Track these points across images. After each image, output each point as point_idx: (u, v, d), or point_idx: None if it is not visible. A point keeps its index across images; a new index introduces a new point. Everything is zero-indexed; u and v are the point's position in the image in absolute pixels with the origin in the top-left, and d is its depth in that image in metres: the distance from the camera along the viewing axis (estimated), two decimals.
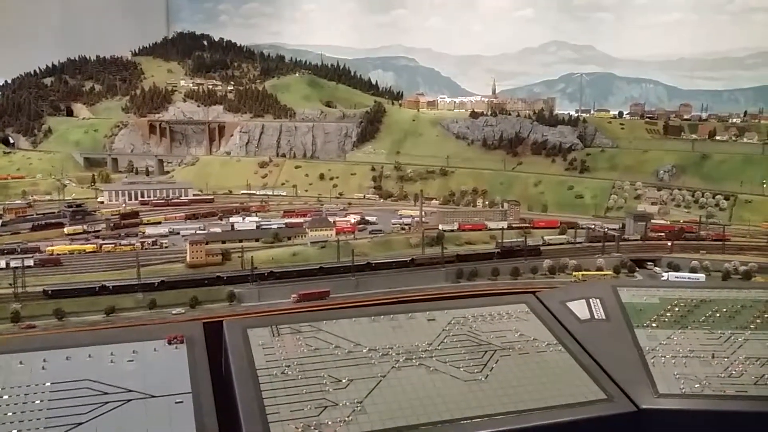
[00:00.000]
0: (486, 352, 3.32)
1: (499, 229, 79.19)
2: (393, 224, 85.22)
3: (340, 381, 3.26)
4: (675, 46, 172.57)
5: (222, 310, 56.27)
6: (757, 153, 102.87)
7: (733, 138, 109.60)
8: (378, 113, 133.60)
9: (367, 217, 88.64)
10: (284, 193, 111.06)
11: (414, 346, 3.38)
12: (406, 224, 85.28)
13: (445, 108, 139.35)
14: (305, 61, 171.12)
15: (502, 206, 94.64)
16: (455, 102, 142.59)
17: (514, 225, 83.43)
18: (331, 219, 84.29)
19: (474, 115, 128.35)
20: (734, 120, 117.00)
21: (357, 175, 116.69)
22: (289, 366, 3.36)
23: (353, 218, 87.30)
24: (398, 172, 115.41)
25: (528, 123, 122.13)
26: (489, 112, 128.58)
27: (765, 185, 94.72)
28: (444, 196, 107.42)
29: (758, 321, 3.56)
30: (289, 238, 76.83)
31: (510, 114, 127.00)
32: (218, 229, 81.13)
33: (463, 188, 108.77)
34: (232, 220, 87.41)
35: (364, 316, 3.73)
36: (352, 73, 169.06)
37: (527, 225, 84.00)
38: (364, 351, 3.43)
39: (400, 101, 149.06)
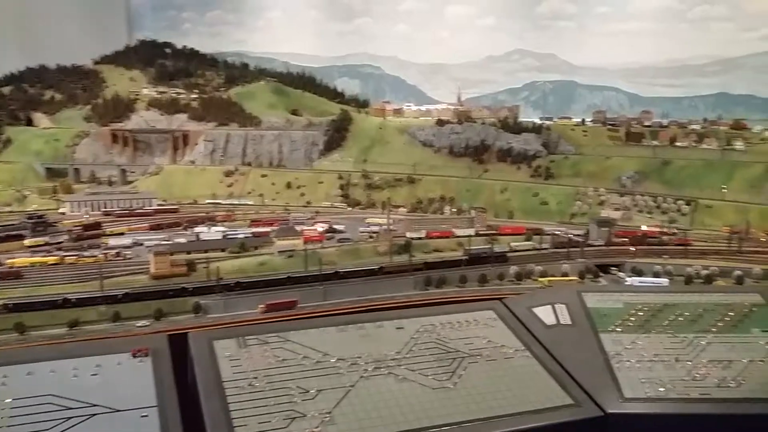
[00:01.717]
0: (454, 359, 3.31)
1: (467, 236, 79.77)
2: (361, 232, 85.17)
3: (309, 392, 3.22)
4: (636, 54, 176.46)
5: (187, 321, 55.51)
6: (717, 158, 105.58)
7: (693, 144, 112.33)
8: (344, 121, 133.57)
9: (334, 226, 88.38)
10: (250, 202, 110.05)
11: (382, 355, 3.36)
12: (374, 232, 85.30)
13: (411, 116, 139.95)
14: (270, 69, 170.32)
15: (469, 213, 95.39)
16: (421, 110, 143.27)
17: (481, 232, 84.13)
18: (298, 228, 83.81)
19: (440, 122, 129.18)
20: (694, 126, 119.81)
21: (324, 184, 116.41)
22: (256, 377, 3.31)
23: (321, 227, 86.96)
24: (366, 180, 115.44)
25: (493, 131, 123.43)
26: (455, 120, 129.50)
27: (724, 190, 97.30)
28: (412, 204, 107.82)
29: (720, 324, 3.63)
30: (256, 248, 76.21)
31: (475, 122, 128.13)
32: (183, 240, 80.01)
33: (431, 196, 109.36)
34: (197, 230, 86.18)
35: (332, 326, 3.70)
36: (318, 81, 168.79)
37: (494, 232, 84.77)
38: (333, 361, 3.39)
39: (366, 109, 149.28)
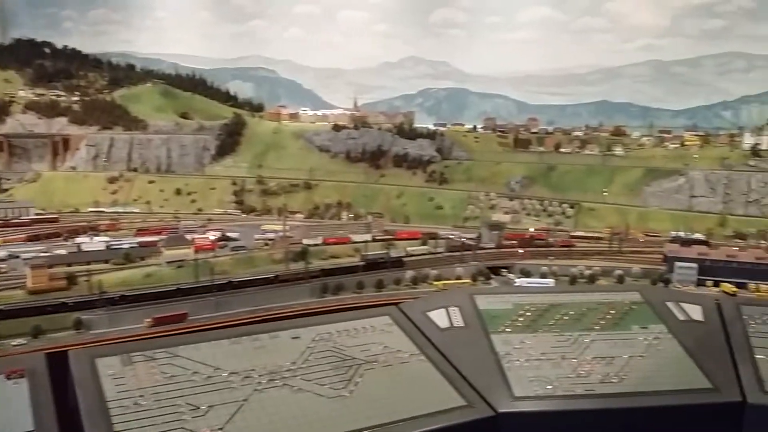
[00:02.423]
0: (351, 367, 3.28)
1: (364, 241, 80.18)
2: (256, 240, 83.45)
3: (199, 408, 3.08)
4: (523, 63, 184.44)
5: (68, 339, 52.03)
6: (598, 163, 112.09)
7: (577, 150, 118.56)
8: (238, 125, 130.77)
9: (228, 234, 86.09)
10: (137, 210, 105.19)
11: (277, 367, 3.27)
12: (269, 239, 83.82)
13: (307, 120, 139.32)
14: (158, 71, 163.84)
15: (366, 219, 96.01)
16: (317, 114, 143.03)
17: (378, 237, 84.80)
18: (188, 236, 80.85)
19: (336, 127, 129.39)
20: (577, 133, 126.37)
21: (217, 190, 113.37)
22: (142, 396, 3.13)
23: (213, 235, 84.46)
24: (261, 185, 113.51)
25: (389, 136, 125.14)
26: (351, 125, 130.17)
27: (605, 193, 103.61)
28: (308, 210, 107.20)
29: (602, 322, 3.81)
30: (143, 258, 72.84)
31: (372, 127, 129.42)
32: (63, 251, 75.09)
33: (328, 201, 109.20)
34: (78, 240, 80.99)
35: (225, 338, 3.56)
36: (209, 84, 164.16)
37: (391, 237, 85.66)
38: (225, 375, 3.26)
39: (260, 113, 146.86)
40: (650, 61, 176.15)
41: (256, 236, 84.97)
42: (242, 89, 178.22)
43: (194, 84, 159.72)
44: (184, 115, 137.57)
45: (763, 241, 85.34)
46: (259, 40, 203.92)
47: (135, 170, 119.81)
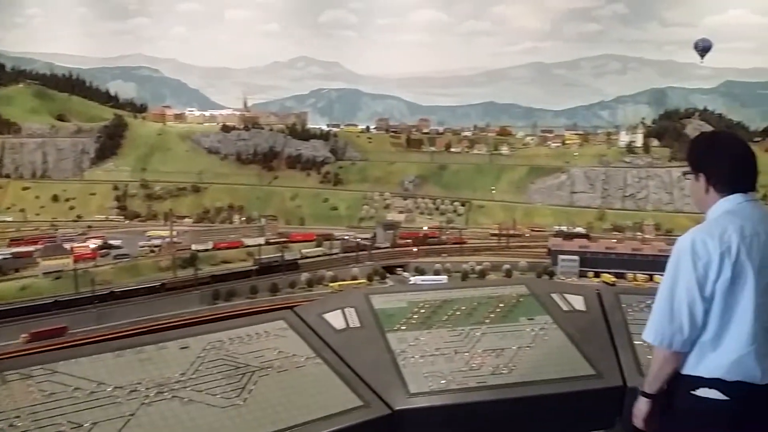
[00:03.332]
0: (244, 374, 3.19)
1: (257, 245, 78.82)
2: (141, 247, 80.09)
3: (82, 426, 2.89)
4: (413, 65, 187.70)
5: None
6: (486, 162, 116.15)
7: (466, 150, 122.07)
8: (119, 127, 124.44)
9: (110, 241, 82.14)
10: (10, 219, 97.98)
11: (166, 378, 3.13)
12: (155, 246, 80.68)
13: (194, 121, 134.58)
14: (31, 71, 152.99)
15: (260, 222, 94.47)
16: (205, 115, 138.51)
17: (271, 240, 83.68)
18: (67, 245, 76.40)
19: (226, 128, 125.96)
20: (466, 133, 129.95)
21: (98, 195, 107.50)
22: (18, 417, 2.89)
23: (94, 243, 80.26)
24: (145, 190, 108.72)
25: (281, 137, 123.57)
26: (241, 126, 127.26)
27: (493, 191, 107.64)
28: (197, 214, 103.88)
29: (492, 315, 3.93)
30: (17, 270, 68.21)
31: (263, 128, 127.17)
32: None
33: (218, 205, 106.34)
34: None
35: (108, 352, 3.36)
36: (88, 84, 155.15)
37: (285, 239, 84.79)
38: (109, 390, 3.08)
39: (144, 114, 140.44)
40: (533, 63, 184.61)
41: (141, 243, 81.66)
42: (124, 89, 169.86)
43: (72, 84, 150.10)
44: (60, 117, 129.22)
45: (639, 233, 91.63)
46: (141, 38, 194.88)
47: (8, 176, 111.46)
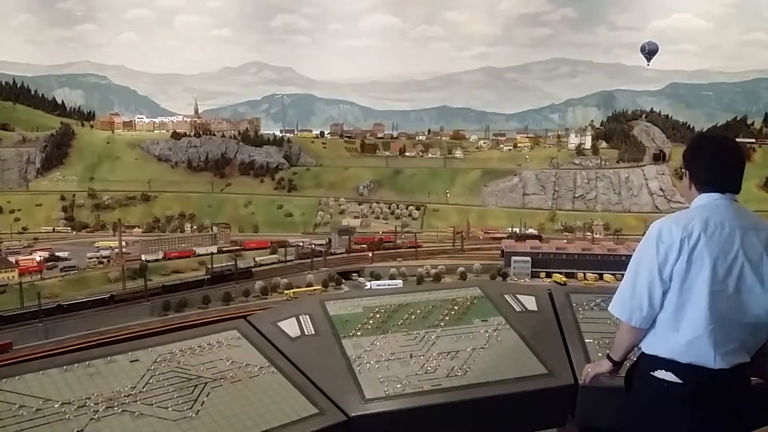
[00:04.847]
0: (196, 386, 3.14)
1: (209, 254, 77.62)
2: (89, 258, 78.02)
3: None
4: (367, 70, 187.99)
5: None
6: (440, 166, 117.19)
7: (420, 154, 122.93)
8: (66, 136, 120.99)
9: (57, 253, 79.81)
10: None
11: (115, 392, 3.05)
12: (104, 257, 78.72)
13: (144, 129, 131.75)
14: None
15: (212, 230, 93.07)
16: (155, 122, 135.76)
17: (224, 248, 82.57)
18: (12, 259, 73.94)
19: (176, 135, 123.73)
20: (420, 137, 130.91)
21: (44, 206, 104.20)
22: None
23: (40, 255, 77.80)
24: (93, 199, 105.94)
25: (234, 143, 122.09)
26: (192, 133, 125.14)
27: (448, 194, 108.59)
28: (147, 224, 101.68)
29: (447, 318, 3.95)
30: None
31: (215, 134, 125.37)
32: None
33: (169, 213, 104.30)
34: None
35: (55, 367, 3.26)
36: (33, 92, 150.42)
37: (238, 247, 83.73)
38: (56, 406, 2.99)
39: (91, 122, 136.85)
40: (485, 68, 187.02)
41: (89, 254, 79.57)
42: (71, 97, 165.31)
43: (16, 93, 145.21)
44: (4, 127, 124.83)
45: (588, 233, 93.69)
46: (88, 45, 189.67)
47: None
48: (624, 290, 2.97)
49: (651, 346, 2.97)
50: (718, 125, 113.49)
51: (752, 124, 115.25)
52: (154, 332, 3.94)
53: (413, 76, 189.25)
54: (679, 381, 2.86)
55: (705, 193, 2.93)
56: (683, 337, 2.83)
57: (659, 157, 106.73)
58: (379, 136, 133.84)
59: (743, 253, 2.77)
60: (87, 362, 3.32)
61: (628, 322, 2.96)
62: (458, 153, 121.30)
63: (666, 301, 2.86)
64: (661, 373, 2.90)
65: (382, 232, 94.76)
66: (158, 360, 3.39)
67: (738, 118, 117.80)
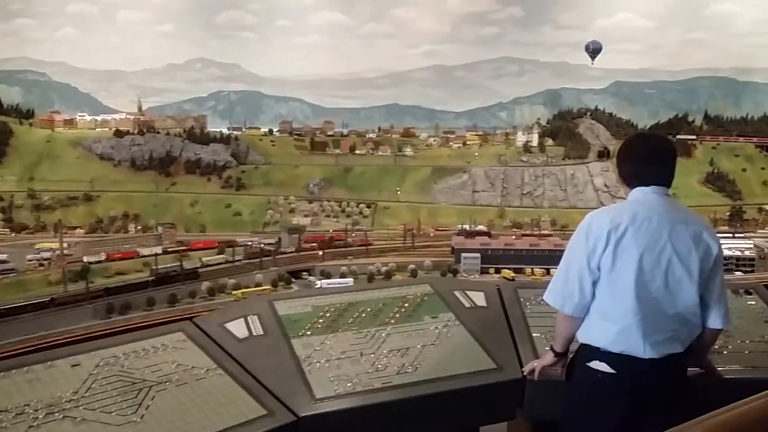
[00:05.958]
0: (141, 390, 3.06)
1: (154, 255, 75.95)
2: (29, 260, 75.48)
3: None
4: (315, 67, 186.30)
5: None
6: (391, 164, 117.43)
7: (371, 151, 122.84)
8: (3, 134, 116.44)
9: None
10: None
11: (56, 398, 2.95)
12: (45, 259, 76.22)
13: (85, 127, 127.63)
14: None
15: (156, 230, 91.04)
16: (97, 120, 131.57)
17: (169, 249, 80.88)
18: None
19: (119, 133, 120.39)
20: (371, 135, 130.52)
21: None
22: None
23: None
24: (33, 200, 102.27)
25: (179, 141, 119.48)
26: (136, 131, 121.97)
27: (398, 192, 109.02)
28: (90, 224, 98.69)
29: (397, 316, 3.96)
30: None
31: (159, 132, 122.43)
32: None
33: (112, 213, 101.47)
34: None
35: None
36: None
37: (184, 248, 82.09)
38: None
39: (30, 120, 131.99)
40: (434, 65, 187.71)
41: (29, 257, 76.98)
42: (8, 94, 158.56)
43: None
44: None
45: (536, 229, 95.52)
46: (26, 40, 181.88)
47: None
48: (557, 279, 3.07)
49: (585, 335, 3.06)
50: (661, 123, 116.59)
51: (693, 121, 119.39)
52: (96, 336, 3.81)
53: (362, 73, 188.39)
54: (613, 371, 2.93)
55: (638, 188, 3.02)
56: (614, 326, 2.91)
57: (603, 154, 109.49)
58: (329, 133, 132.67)
59: (671, 245, 2.85)
60: (25, 368, 3.20)
61: (561, 309, 3.06)
62: (408, 150, 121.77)
63: (597, 290, 2.95)
64: (596, 364, 2.99)
65: (333, 231, 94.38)
66: (101, 364, 3.30)
67: (679, 116, 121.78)
